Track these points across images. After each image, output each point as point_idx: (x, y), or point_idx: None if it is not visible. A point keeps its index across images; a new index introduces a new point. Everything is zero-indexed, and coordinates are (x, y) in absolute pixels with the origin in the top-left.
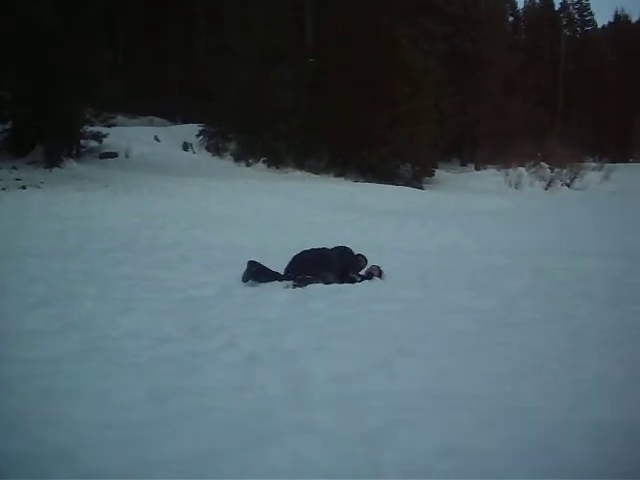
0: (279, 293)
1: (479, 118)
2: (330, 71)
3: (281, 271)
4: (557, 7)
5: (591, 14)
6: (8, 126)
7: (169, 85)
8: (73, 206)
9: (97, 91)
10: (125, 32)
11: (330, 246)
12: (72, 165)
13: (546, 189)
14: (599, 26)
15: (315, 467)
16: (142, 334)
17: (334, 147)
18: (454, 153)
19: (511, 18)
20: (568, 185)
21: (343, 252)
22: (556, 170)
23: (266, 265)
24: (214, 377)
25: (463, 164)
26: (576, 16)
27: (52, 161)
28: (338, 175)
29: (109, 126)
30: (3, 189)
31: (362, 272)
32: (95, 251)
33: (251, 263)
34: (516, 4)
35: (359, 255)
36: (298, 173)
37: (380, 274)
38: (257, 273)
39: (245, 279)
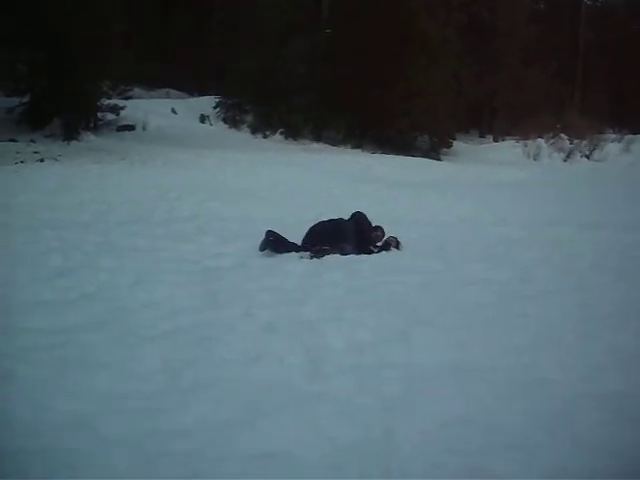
0: (296, 264)
1: (497, 89)
2: (346, 42)
3: (298, 242)
4: None
5: None
6: (26, 99)
7: (186, 57)
8: (90, 178)
9: (113, 64)
10: (141, 4)
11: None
12: (90, 138)
13: (565, 161)
14: None
15: (332, 437)
16: (158, 305)
17: (351, 119)
18: (472, 124)
19: None
20: (587, 157)
21: (359, 221)
22: (575, 141)
23: (283, 236)
24: (230, 347)
25: (481, 135)
26: None
27: (70, 134)
28: (355, 147)
29: (126, 99)
30: (21, 162)
31: (379, 243)
32: (111, 223)
33: (269, 233)
34: None
35: (377, 227)
36: (315, 145)
37: (397, 245)
38: (274, 243)
39: (262, 248)
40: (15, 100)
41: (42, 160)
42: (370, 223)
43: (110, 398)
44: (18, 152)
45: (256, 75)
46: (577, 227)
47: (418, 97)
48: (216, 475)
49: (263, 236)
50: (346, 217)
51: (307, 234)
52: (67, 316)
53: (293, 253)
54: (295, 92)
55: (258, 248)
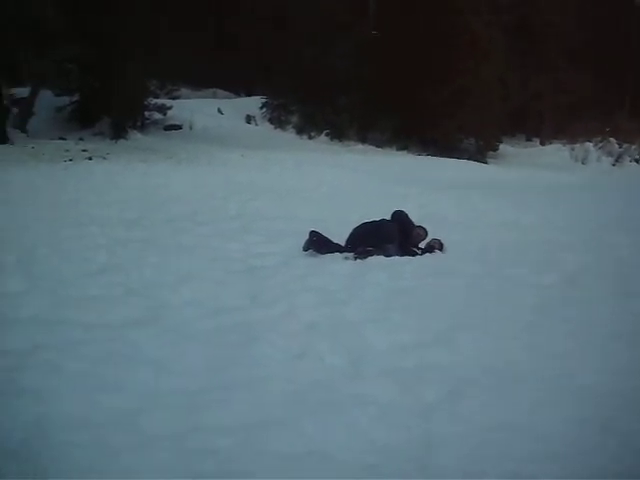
0: (339, 264)
1: (543, 92)
2: (393, 42)
3: (342, 243)
4: None
5: None
6: (75, 98)
7: (233, 56)
8: (137, 177)
9: (161, 63)
10: (190, 4)
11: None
12: (137, 137)
13: (614, 165)
14: None
15: (371, 440)
16: (202, 303)
17: (397, 120)
18: (519, 128)
19: None
20: (637, 161)
21: (401, 219)
22: (624, 145)
23: (327, 237)
24: (273, 346)
25: (528, 139)
26: None
27: (118, 133)
28: (401, 148)
29: (173, 98)
30: (70, 160)
31: (423, 245)
32: (157, 221)
33: (313, 233)
34: None
35: (419, 227)
36: (360, 146)
37: (441, 247)
38: (318, 243)
39: (306, 248)
40: (65, 99)
41: (90, 158)
42: (412, 222)
43: (153, 394)
44: (67, 150)
45: (302, 75)
46: (625, 232)
47: (465, 99)
48: (256, 473)
49: (307, 236)
50: (389, 218)
51: (350, 235)
52: (112, 312)
53: (337, 254)
54: (341, 92)
55: (302, 248)
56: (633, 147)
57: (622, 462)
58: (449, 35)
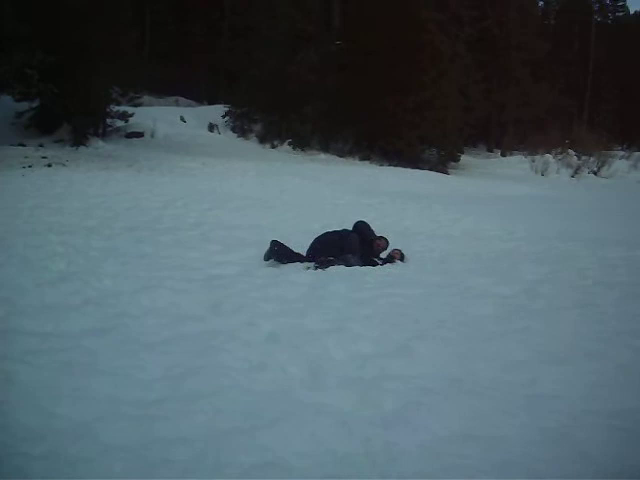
0: (300, 274)
1: (505, 104)
2: (356, 54)
3: (303, 252)
4: None
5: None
6: (35, 104)
7: (195, 66)
8: (97, 184)
9: (123, 70)
10: (151, 12)
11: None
12: (98, 144)
13: (573, 177)
14: (631, 12)
15: (331, 450)
16: (161, 312)
17: (360, 130)
18: (480, 139)
19: (541, 3)
20: (595, 173)
21: (362, 230)
22: (583, 158)
23: (288, 246)
24: (233, 356)
25: (489, 150)
26: (607, 1)
27: (78, 139)
28: (363, 159)
29: (135, 106)
30: (29, 166)
31: (384, 255)
32: (117, 229)
33: (274, 242)
34: None
35: (381, 237)
36: (323, 156)
37: (402, 257)
38: (279, 253)
39: (267, 258)
40: (25, 105)
41: (50, 165)
42: (373, 232)
43: (111, 404)
44: (26, 156)
45: (266, 84)
46: (584, 243)
47: (427, 110)
48: None
49: (268, 245)
50: (351, 228)
51: (312, 245)
52: (70, 321)
53: (298, 263)
54: (305, 102)
55: (263, 258)
56: (591, 159)
57: (578, 472)
58: (411, 49)
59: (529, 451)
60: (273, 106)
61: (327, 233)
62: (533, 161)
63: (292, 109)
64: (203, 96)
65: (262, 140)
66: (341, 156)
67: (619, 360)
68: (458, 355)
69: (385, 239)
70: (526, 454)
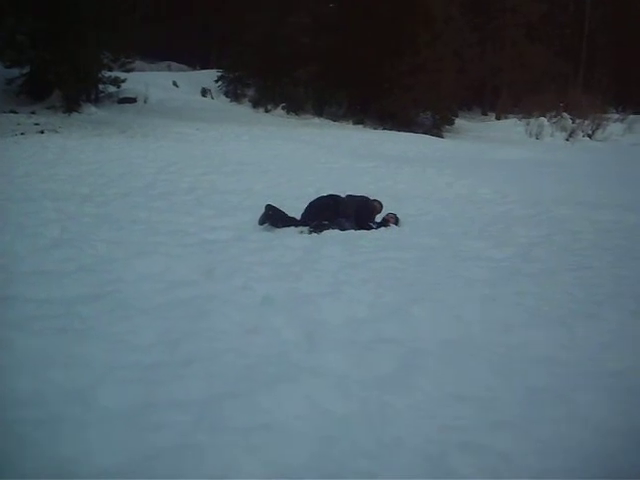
0: (294, 238)
1: (500, 67)
2: (350, 15)
3: (297, 217)
4: None
5: None
6: (26, 71)
7: (188, 29)
8: (90, 151)
9: (114, 35)
10: None
11: (348, 192)
12: (90, 110)
13: (567, 140)
14: None
15: (328, 411)
16: (156, 277)
17: (353, 94)
18: (475, 102)
19: None
20: (590, 136)
21: (360, 199)
22: (578, 121)
23: (283, 211)
24: (228, 320)
25: (484, 113)
26: None
27: (70, 106)
28: (357, 122)
29: (127, 71)
30: (22, 133)
31: (378, 219)
32: (110, 195)
33: (268, 207)
34: None
35: (375, 200)
36: (317, 120)
37: (396, 221)
38: (273, 217)
39: (261, 222)
40: (15, 71)
41: (42, 132)
42: (367, 198)
43: (107, 369)
44: (18, 124)
45: (257, 48)
46: (578, 206)
47: (421, 73)
48: (210, 447)
49: (262, 210)
50: (346, 192)
51: (306, 209)
52: (65, 287)
53: (292, 228)
54: (297, 65)
55: (257, 222)
56: (586, 122)
57: (571, 432)
58: (405, 11)
59: (525, 412)
60: (265, 70)
61: (321, 197)
62: (527, 124)
63: (285, 72)
64: (195, 61)
65: (255, 105)
66: (335, 120)
67: (614, 322)
68: (453, 318)
69: (379, 202)
70: (522, 415)
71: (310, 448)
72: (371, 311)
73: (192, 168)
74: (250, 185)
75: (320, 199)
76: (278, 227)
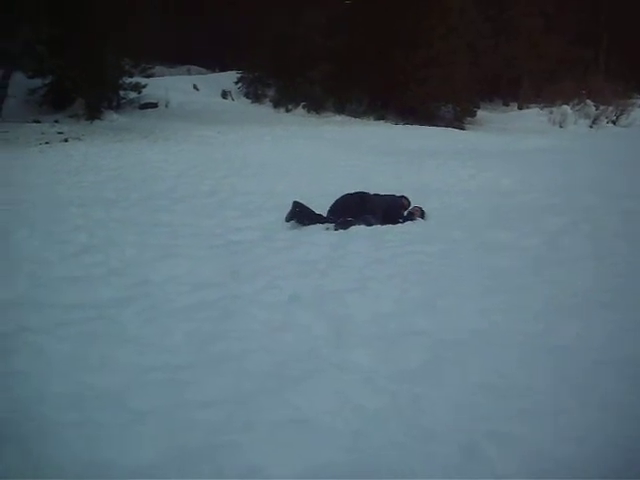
0: (320, 235)
1: (516, 57)
2: (364, 11)
3: (324, 214)
4: None
5: None
6: (48, 80)
7: (205, 31)
8: (113, 157)
9: (133, 41)
10: None
11: (371, 190)
12: (112, 117)
13: (591, 127)
14: None
15: (358, 405)
16: (182, 279)
17: (373, 90)
18: (495, 93)
19: None
20: (614, 122)
21: (389, 199)
22: (601, 107)
23: (309, 208)
24: (255, 319)
25: (505, 104)
26: None
27: (92, 113)
28: (378, 118)
29: (148, 77)
30: (47, 143)
31: (405, 213)
32: (135, 200)
33: (295, 204)
34: None
35: (402, 197)
36: (338, 118)
37: (422, 214)
38: (301, 214)
39: (289, 219)
40: (38, 82)
41: (66, 140)
42: (400, 204)
43: (138, 371)
44: (43, 133)
45: (273, 48)
46: (604, 195)
47: (434, 66)
48: (243, 443)
49: (286, 209)
50: (370, 189)
51: (333, 205)
52: (95, 291)
53: (318, 225)
54: (312, 64)
55: (284, 219)
56: (610, 108)
57: (603, 422)
58: (419, 3)
59: (554, 400)
60: (283, 70)
61: (347, 194)
62: (551, 113)
63: (298, 72)
64: (214, 63)
65: (276, 105)
66: (356, 117)
67: (638, 311)
68: (480, 309)
69: (407, 198)
70: (552, 403)
71: (342, 443)
72: (397, 305)
73: (213, 171)
74: (272, 186)
75: (346, 196)
76: (304, 224)
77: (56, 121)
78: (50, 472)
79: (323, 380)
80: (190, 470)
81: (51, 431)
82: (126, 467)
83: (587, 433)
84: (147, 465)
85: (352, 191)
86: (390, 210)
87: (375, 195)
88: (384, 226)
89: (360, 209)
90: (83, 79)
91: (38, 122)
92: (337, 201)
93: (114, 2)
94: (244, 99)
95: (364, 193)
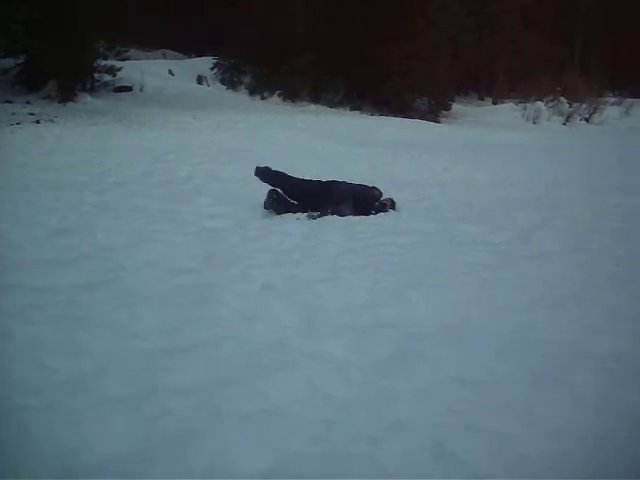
0: (294, 224)
1: (495, 52)
2: (344, 2)
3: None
4: None
5: None
6: (21, 60)
7: (183, 17)
8: (87, 140)
9: (108, 23)
10: None
11: (345, 179)
12: (86, 99)
13: (564, 124)
14: None
15: (327, 395)
16: (156, 265)
17: (349, 80)
18: (471, 87)
19: None
20: (587, 120)
21: (358, 188)
22: (575, 105)
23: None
24: (228, 307)
25: (480, 98)
26: None
27: (66, 95)
28: (354, 109)
29: (123, 60)
30: (18, 123)
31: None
32: (109, 184)
33: (272, 191)
34: None
35: (374, 188)
36: (313, 107)
37: (393, 206)
38: (278, 201)
39: (267, 206)
40: (10, 61)
41: (38, 122)
42: (371, 195)
43: (109, 357)
44: (14, 113)
45: (254, 36)
46: (576, 189)
47: (416, 59)
48: (212, 432)
49: (263, 196)
50: (344, 178)
51: (293, 192)
52: (66, 275)
53: (290, 214)
54: (294, 53)
55: (263, 206)
56: (583, 106)
57: (576, 414)
58: None
59: (525, 395)
60: (262, 58)
61: (312, 181)
62: (524, 109)
63: (281, 61)
64: (190, 48)
65: (252, 92)
66: (332, 107)
67: (611, 304)
68: (451, 302)
69: (378, 189)
70: (522, 397)
71: (310, 432)
72: (370, 296)
73: (189, 157)
74: (247, 173)
75: (308, 183)
76: (279, 213)
77: (28, 102)
78: (9, 459)
79: (294, 370)
80: (156, 460)
81: (13, 416)
82: (90, 456)
83: (561, 428)
84: (113, 454)
85: (320, 179)
86: (359, 199)
87: (344, 183)
88: (356, 217)
89: (325, 197)
90: (57, 60)
91: (10, 102)
92: (304, 189)
93: None
94: (219, 85)
95: (332, 181)
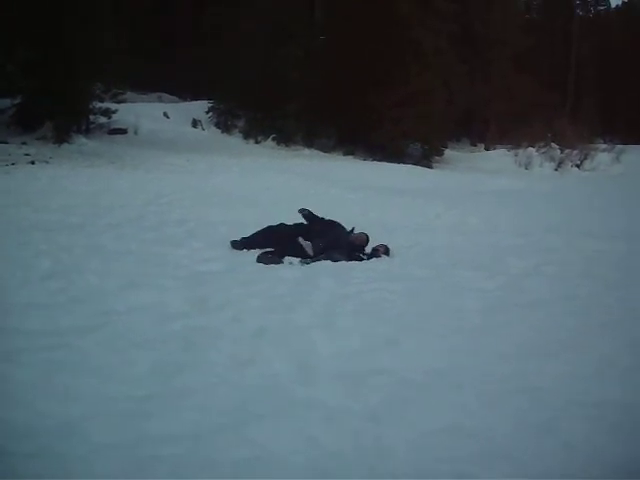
0: (286, 270)
1: (488, 98)
2: (339, 48)
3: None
4: None
5: None
6: (17, 101)
7: (178, 61)
8: (81, 182)
9: (105, 67)
10: (133, 8)
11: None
12: (81, 141)
13: (556, 170)
14: (612, 6)
15: (320, 444)
16: (147, 309)
17: (343, 126)
18: (464, 133)
19: None
20: (578, 166)
21: (336, 231)
22: (566, 151)
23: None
24: (220, 352)
25: (473, 144)
26: None
27: (61, 137)
28: (347, 154)
29: (118, 102)
30: (12, 164)
31: (368, 249)
32: (101, 226)
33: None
34: None
35: (361, 233)
36: (307, 151)
37: (387, 252)
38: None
39: (264, 262)
40: (7, 102)
41: (33, 162)
42: (340, 225)
43: (101, 402)
44: (9, 154)
45: (249, 81)
46: (567, 236)
47: (410, 105)
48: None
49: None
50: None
51: (265, 233)
52: (57, 319)
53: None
54: (288, 98)
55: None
56: (574, 152)
57: (563, 462)
58: (394, 44)
59: (514, 443)
60: (256, 102)
61: (283, 225)
62: (516, 155)
63: (275, 105)
64: (186, 92)
65: (246, 136)
66: (325, 151)
67: (602, 352)
68: (444, 349)
69: (365, 234)
70: (511, 446)
71: None
72: (363, 342)
73: (182, 200)
74: (241, 216)
75: (281, 226)
76: (240, 249)
77: (24, 143)
78: None
79: (286, 417)
80: None
81: (4, 461)
82: None
83: (551, 476)
84: None
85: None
86: (338, 242)
87: (322, 221)
88: (349, 262)
89: (293, 242)
90: (53, 102)
91: (5, 143)
92: (270, 230)
93: (86, 28)
94: (214, 129)
95: (304, 224)
